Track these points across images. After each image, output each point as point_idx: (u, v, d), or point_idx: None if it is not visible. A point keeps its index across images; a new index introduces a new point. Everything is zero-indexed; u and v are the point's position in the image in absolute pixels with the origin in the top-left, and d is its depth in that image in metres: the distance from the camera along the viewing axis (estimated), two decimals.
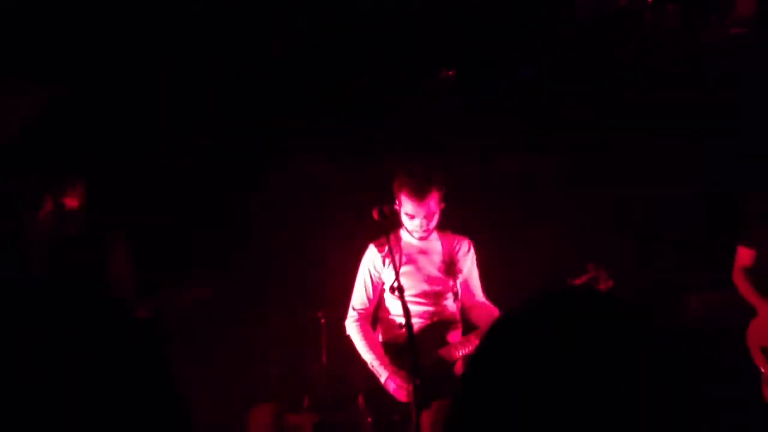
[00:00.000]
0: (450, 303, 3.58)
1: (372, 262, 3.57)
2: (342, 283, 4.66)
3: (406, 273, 3.48)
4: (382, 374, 3.41)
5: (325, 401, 4.49)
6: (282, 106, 4.64)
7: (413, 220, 3.44)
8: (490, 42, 4.40)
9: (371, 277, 3.58)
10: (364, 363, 3.51)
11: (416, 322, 3.43)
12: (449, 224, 3.67)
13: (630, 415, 0.82)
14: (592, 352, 0.86)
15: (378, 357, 3.45)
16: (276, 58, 4.25)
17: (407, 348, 3.05)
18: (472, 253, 3.65)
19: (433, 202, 3.40)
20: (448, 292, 3.56)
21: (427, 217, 3.42)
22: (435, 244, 3.59)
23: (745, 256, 4.06)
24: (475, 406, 0.89)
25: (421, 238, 3.50)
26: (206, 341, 4.65)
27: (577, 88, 4.59)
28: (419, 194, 3.37)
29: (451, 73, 4.85)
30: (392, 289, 3.28)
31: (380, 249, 3.55)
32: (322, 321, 4.49)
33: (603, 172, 4.89)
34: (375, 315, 3.66)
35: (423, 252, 3.56)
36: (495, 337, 0.94)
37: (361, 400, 3.55)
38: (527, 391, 0.85)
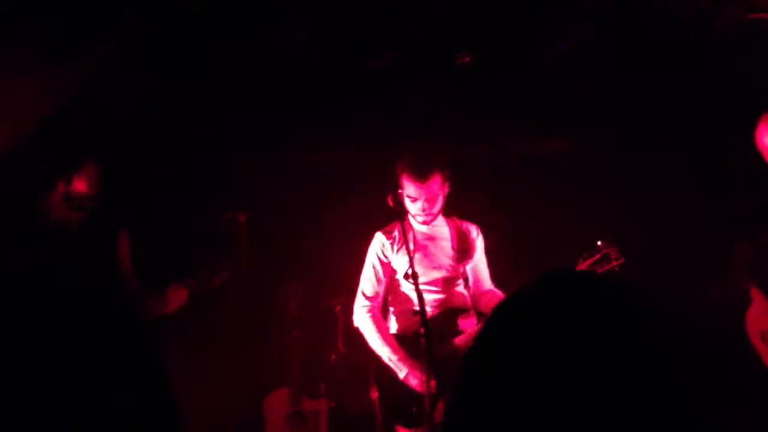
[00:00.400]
0: (461, 290, 3.52)
1: (380, 250, 3.49)
2: (358, 272, 4.69)
3: (416, 260, 3.36)
4: (402, 370, 3.32)
5: (341, 388, 4.51)
6: (292, 95, 4.63)
7: (415, 203, 3.35)
8: (503, 27, 4.36)
9: (381, 264, 3.50)
10: (377, 357, 3.42)
11: (428, 310, 3.33)
12: (461, 209, 3.63)
13: (623, 403, 0.82)
14: (588, 335, 0.86)
15: (395, 352, 3.36)
16: (288, 48, 4.23)
17: (422, 336, 3.01)
18: (480, 240, 3.58)
19: (436, 184, 3.31)
20: (458, 278, 3.50)
21: (430, 200, 3.33)
22: (443, 229, 3.52)
23: (743, 251, 4.03)
24: (477, 388, 0.89)
25: (424, 222, 3.42)
26: (224, 328, 4.68)
27: (588, 75, 4.53)
28: (421, 176, 3.28)
29: (467, 59, 4.80)
30: (406, 276, 3.24)
31: (388, 236, 3.49)
32: (338, 309, 4.51)
33: (617, 159, 4.85)
34: (385, 306, 3.60)
35: (431, 238, 3.49)
36: (496, 320, 0.94)
37: (374, 394, 3.53)
38: (527, 373, 0.85)
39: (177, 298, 3.60)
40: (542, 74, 4.63)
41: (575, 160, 4.96)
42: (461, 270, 3.51)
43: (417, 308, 3.04)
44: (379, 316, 3.52)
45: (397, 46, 4.43)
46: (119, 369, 0.74)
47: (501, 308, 0.95)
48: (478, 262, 3.58)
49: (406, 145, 3.50)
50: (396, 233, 3.47)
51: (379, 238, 3.52)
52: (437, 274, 3.46)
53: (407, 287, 3.44)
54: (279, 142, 4.86)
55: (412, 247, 3.32)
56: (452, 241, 3.51)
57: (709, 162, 4.64)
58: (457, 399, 0.91)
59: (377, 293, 3.52)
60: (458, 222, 3.58)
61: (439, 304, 3.45)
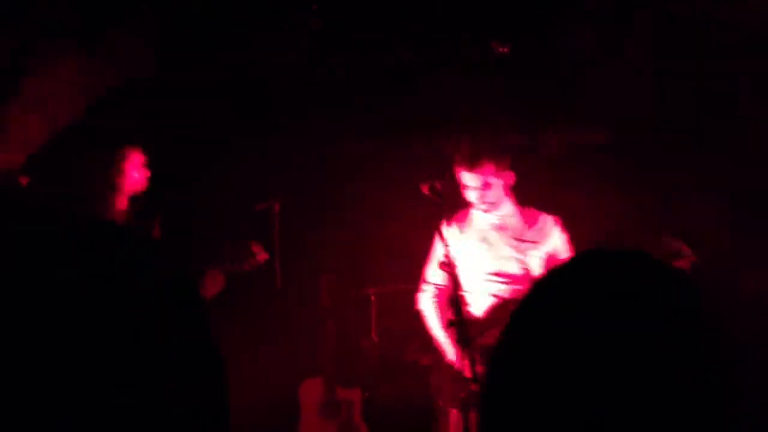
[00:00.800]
0: (524, 281, 3.48)
1: (444, 238, 3.51)
2: (392, 260, 4.67)
3: (478, 250, 3.43)
4: (450, 352, 3.40)
5: (374, 377, 4.52)
6: (323, 84, 4.62)
7: (471, 192, 3.35)
8: (542, 13, 4.29)
9: (445, 252, 3.49)
10: (432, 339, 3.52)
11: (488, 300, 3.41)
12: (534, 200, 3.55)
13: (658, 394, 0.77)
14: (625, 319, 0.80)
15: (448, 335, 3.42)
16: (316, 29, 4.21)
17: (453, 324, 3.04)
18: (557, 231, 3.48)
19: (488, 172, 3.29)
20: (523, 269, 3.46)
21: (483, 188, 3.32)
22: (512, 220, 3.48)
23: None
24: (501, 371, 0.86)
25: (485, 211, 3.40)
26: (258, 315, 4.71)
27: (631, 58, 4.44)
28: (469, 163, 3.28)
29: (505, 49, 4.74)
30: (440, 265, 3.24)
31: (456, 223, 3.51)
32: (372, 298, 4.52)
33: (664, 146, 4.74)
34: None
35: (499, 228, 3.46)
36: (525, 300, 0.90)
37: (433, 380, 3.56)
38: (560, 352, 0.80)
39: (214, 283, 3.63)
40: (574, 66, 4.56)
41: (610, 154, 4.89)
42: (527, 261, 3.46)
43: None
44: (441, 301, 3.54)
45: (430, 36, 4.40)
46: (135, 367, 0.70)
47: (531, 288, 0.91)
48: (557, 255, 3.49)
49: (452, 135, 3.49)
50: (460, 220, 3.50)
51: (445, 225, 3.52)
52: (498, 266, 3.44)
53: (468, 275, 3.44)
54: (311, 133, 4.86)
55: (474, 235, 3.38)
56: (520, 231, 3.47)
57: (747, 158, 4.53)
58: (486, 384, 0.88)
59: (440, 280, 3.54)
60: (533, 213, 3.52)
61: (500, 294, 3.44)
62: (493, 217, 3.45)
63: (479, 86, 4.72)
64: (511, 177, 3.38)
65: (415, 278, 4.45)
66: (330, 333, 4.51)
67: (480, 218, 3.48)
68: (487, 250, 3.45)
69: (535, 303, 0.88)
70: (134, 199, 3.64)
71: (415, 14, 4.32)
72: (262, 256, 3.78)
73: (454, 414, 3.36)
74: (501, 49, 4.70)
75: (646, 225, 4.03)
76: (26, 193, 3.69)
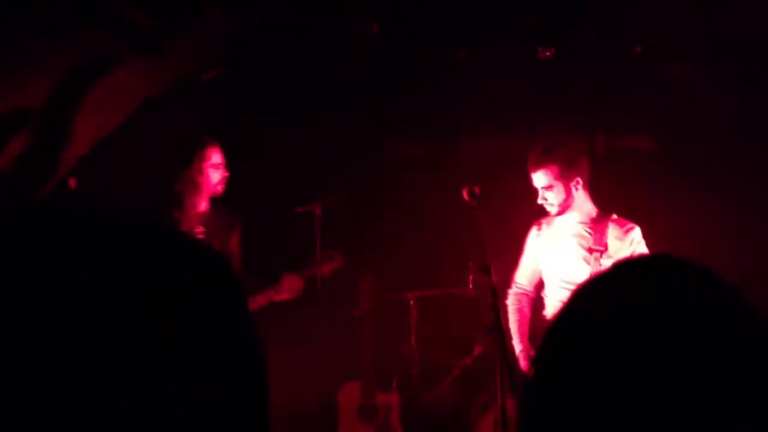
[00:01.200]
0: None
1: (529, 240, 3.59)
2: (431, 265, 4.65)
3: (550, 256, 3.46)
4: (517, 348, 3.50)
5: (412, 382, 4.50)
6: (370, 85, 4.63)
7: (539, 193, 3.38)
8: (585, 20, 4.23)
9: (529, 254, 3.60)
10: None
11: (558, 306, 3.38)
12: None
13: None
14: (677, 318, 0.77)
15: (518, 332, 3.53)
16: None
17: (491, 331, 3.06)
18: (636, 240, 3.38)
19: (551, 174, 3.29)
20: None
21: (547, 190, 3.33)
22: (587, 227, 3.43)
23: None
24: (541, 372, 0.85)
25: (554, 214, 3.41)
26: (297, 317, 4.74)
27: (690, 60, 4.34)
28: (532, 165, 3.33)
29: (549, 53, 4.70)
30: (473, 269, 3.26)
31: (538, 227, 3.56)
32: (412, 302, 4.51)
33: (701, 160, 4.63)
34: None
35: (575, 235, 3.43)
36: (575, 300, 0.89)
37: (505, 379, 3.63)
38: (606, 352, 0.79)
39: (292, 286, 3.64)
40: (628, 68, 4.49)
41: (655, 160, 4.80)
42: (597, 268, 3.38)
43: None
44: (523, 301, 3.62)
45: (474, 38, 4.37)
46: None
47: (576, 291, 0.89)
48: None
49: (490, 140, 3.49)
50: (544, 225, 3.52)
51: (533, 230, 3.60)
52: (573, 272, 3.40)
53: (545, 280, 3.52)
54: (355, 135, 4.87)
55: (549, 240, 3.43)
56: (594, 239, 3.41)
57: None
58: (529, 384, 0.87)
59: (525, 280, 3.63)
60: (615, 220, 3.44)
61: None
62: (572, 224, 3.42)
63: (525, 89, 4.70)
64: (576, 181, 3.34)
65: (454, 283, 4.44)
66: (369, 336, 4.51)
67: (559, 224, 3.47)
68: (561, 257, 3.44)
69: (582, 304, 0.87)
70: (215, 202, 3.60)
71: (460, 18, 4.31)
72: (339, 261, 3.81)
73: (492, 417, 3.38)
74: (545, 53, 4.66)
75: (687, 232, 3.93)
76: (74, 195, 3.77)
